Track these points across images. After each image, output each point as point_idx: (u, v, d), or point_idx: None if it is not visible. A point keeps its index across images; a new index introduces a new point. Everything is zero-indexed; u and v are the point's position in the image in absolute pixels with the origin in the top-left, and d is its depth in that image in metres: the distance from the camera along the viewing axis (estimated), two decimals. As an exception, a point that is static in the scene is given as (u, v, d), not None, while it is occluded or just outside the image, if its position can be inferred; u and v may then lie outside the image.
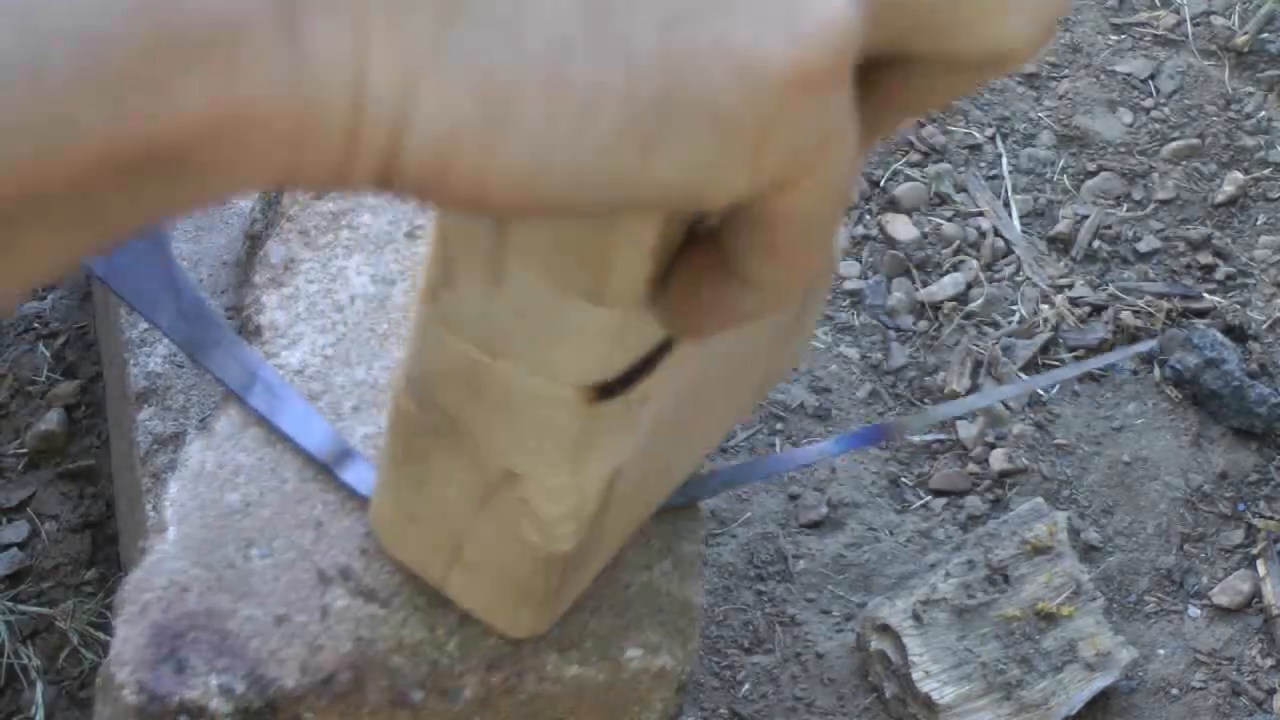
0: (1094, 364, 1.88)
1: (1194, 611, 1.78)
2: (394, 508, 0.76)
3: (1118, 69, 2.19)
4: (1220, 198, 2.07)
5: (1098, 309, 1.97)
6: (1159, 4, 2.26)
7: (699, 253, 0.46)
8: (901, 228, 2.02)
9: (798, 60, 0.34)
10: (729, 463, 1.03)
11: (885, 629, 1.65)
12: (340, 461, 0.85)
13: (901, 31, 0.39)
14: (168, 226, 0.94)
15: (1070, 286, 1.98)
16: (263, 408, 0.87)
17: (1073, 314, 1.96)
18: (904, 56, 0.41)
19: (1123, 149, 2.12)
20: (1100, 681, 1.65)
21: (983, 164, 2.09)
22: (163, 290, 0.93)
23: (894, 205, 2.04)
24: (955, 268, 1.99)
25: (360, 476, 0.84)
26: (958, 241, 2.01)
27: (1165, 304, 1.96)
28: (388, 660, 0.77)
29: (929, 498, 1.83)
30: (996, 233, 2.03)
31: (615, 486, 0.66)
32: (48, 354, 1.78)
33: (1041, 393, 1.91)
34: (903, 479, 1.84)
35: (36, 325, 1.81)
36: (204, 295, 0.94)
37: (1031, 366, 1.92)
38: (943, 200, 2.05)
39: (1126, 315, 1.96)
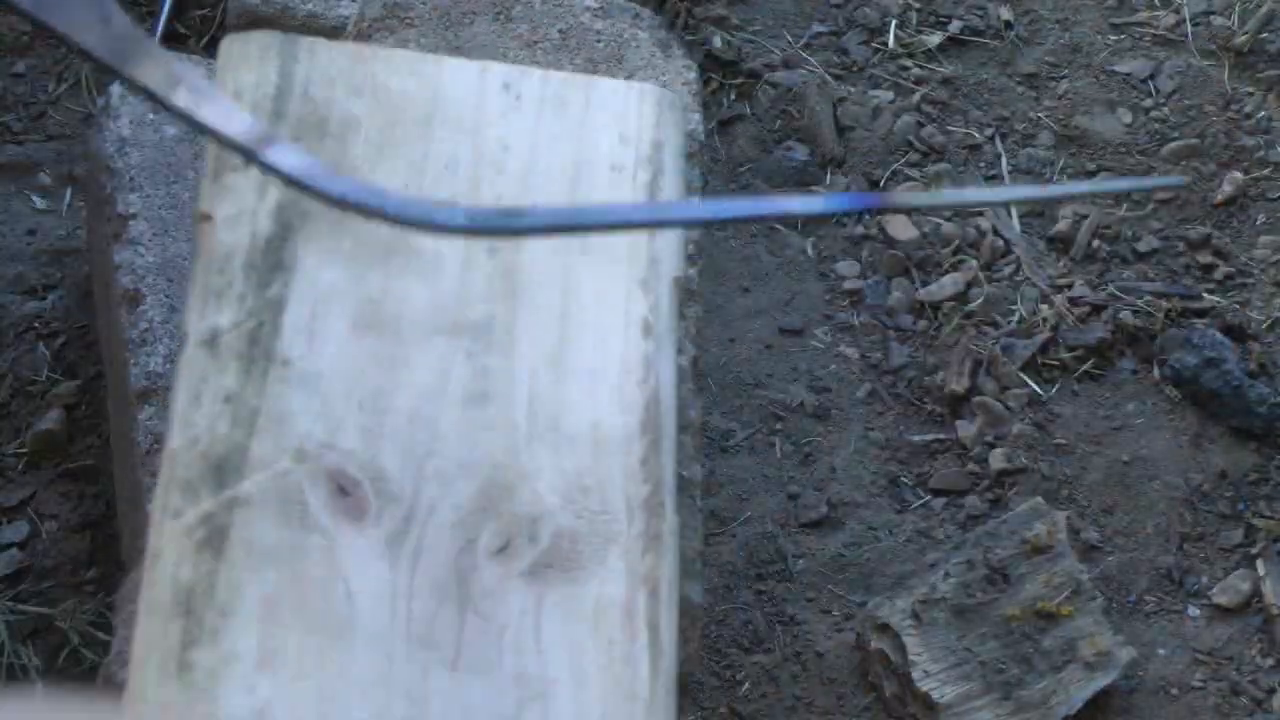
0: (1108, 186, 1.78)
1: (1194, 611, 1.78)
2: None
3: (1117, 69, 2.19)
4: (1220, 197, 2.07)
5: (1097, 309, 1.96)
6: (1159, 4, 2.26)
7: None
8: (901, 227, 2.02)
9: None
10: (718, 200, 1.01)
11: (885, 628, 1.65)
12: (261, 146, 0.89)
13: None
14: None
15: (1070, 286, 1.98)
16: (187, 106, 0.91)
17: (1072, 313, 1.95)
18: None
19: (1122, 149, 2.12)
20: (1100, 681, 1.65)
21: (982, 164, 2.09)
22: (91, 17, 0.96)
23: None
24: (955, 267, 1.99)
25: (280, 156, 0.89)
26: (957, 241, 2.01)
27: (1165, 304, 1.96)
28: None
29: (929, 497, 1.83)
30: (996, 232, 2.03)
31: None
32: (48, 354, 1.78)
33: (1040, 392, 1.91)
34: (902, 479, 1.84)
35: (36, 325, 1.81)
36: (130, 18, 0.99)
37: (1031, 366, 1.92)
38: (942, 200, 2.05)
39: (1126, 315, 1.96)
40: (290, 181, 0.91)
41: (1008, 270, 2.00)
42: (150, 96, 0.94)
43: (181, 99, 0.92)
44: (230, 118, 0.92)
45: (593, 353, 1.00)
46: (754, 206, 1.01)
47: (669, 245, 1.06)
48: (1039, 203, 1.93)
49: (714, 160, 2.05)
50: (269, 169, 0.91)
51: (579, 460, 0.95)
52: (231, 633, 0.84)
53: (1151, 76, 2.18)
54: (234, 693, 0.82)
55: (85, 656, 1.59)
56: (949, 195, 1.48)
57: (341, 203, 0.90)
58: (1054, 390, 1.91)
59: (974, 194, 1.54)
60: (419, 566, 0.89)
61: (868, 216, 2.00)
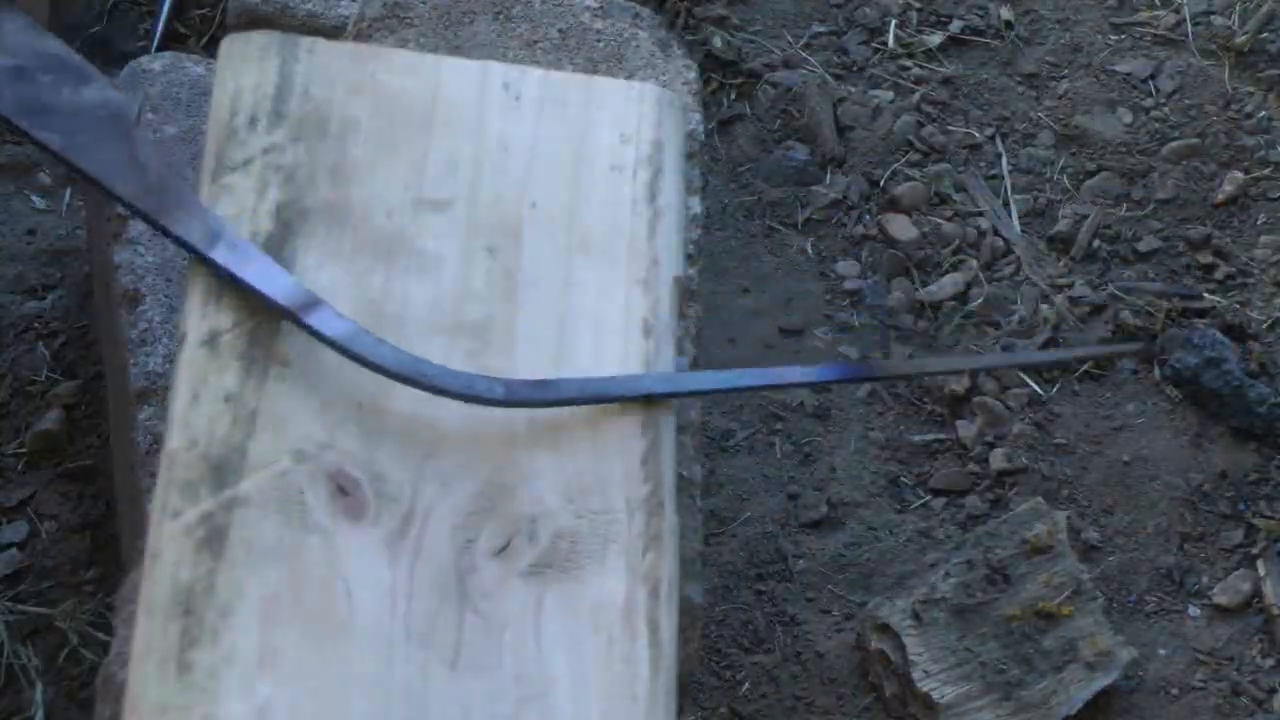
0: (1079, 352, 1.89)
1: (1194, 611, 1.78)
2: None
3: (1118, 69, 2.19)
4: (1220, 197, 2.07)
5: (1098, 309, 1.96)
6: (1159, 4, 2.26)
7: None
8: (901, 227, 2.02)
9: None
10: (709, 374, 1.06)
11: (885, 628, 1.65)
12: (306, 309, 0.91)
13: None
14: (133, 104, 0.98)
15: (1070, 286, 1.98)
16: (228, 264, 0.92)
17: (1073, 314, 1.95)
18: None
19: (1122, 148, 2.11)
20: (1100, 681, 1.65)
21: (982, 164, 2.09)
22: (125, 164, 0.97)
23: (894, 205, 2.04)
24: (955, 267, 1.99)
25: (325, 321, 0.90)
26: (957, 241, 2.01)
27: (1165, 304, 1.96)
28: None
29: (929, 497, 1.83)
30: (996, 232, 2.03)
31: None
32: (47, 354, 1.78)
33: (1040, 392, 1.91)
34: (903, 479, 1.84)
35: (36, 325, 1.81)
36: (169, 160, 1.00)
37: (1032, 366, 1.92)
38: (942, 200, 2.05)
39: (1126, 315, 1.96)
40: (333, 346, 0.93)
41: (1008, 270, 2.00)
42: (192, 251, 0.96)
43: (221, 255, 0.94)
44: (272, 278, 0.94)
45: (592, 353, 1.00)
46: (758, 377, 1.09)
47: (669, 246, 1.06)
48: (1013, 368, 1.95)
49: (714, 160, 2.05)
50: (313, 332, 0.93)
51: (579, 460, 0.95)
52: (231, 632, 0.84)
53: (1152, 76, 2.18)
54: (234, 692, 0.82)
55: (85, 656, 1.58)
56: (934, 362, 1.58)
57: (383, 369, 0.93)
58: (1054, 390, 1.91)
59: (957, 360, 1.63)
60: (418, 566, 0.89)
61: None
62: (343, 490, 0.90)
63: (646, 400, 0.98)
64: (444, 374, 0.93)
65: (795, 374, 1.15)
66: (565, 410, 0.97)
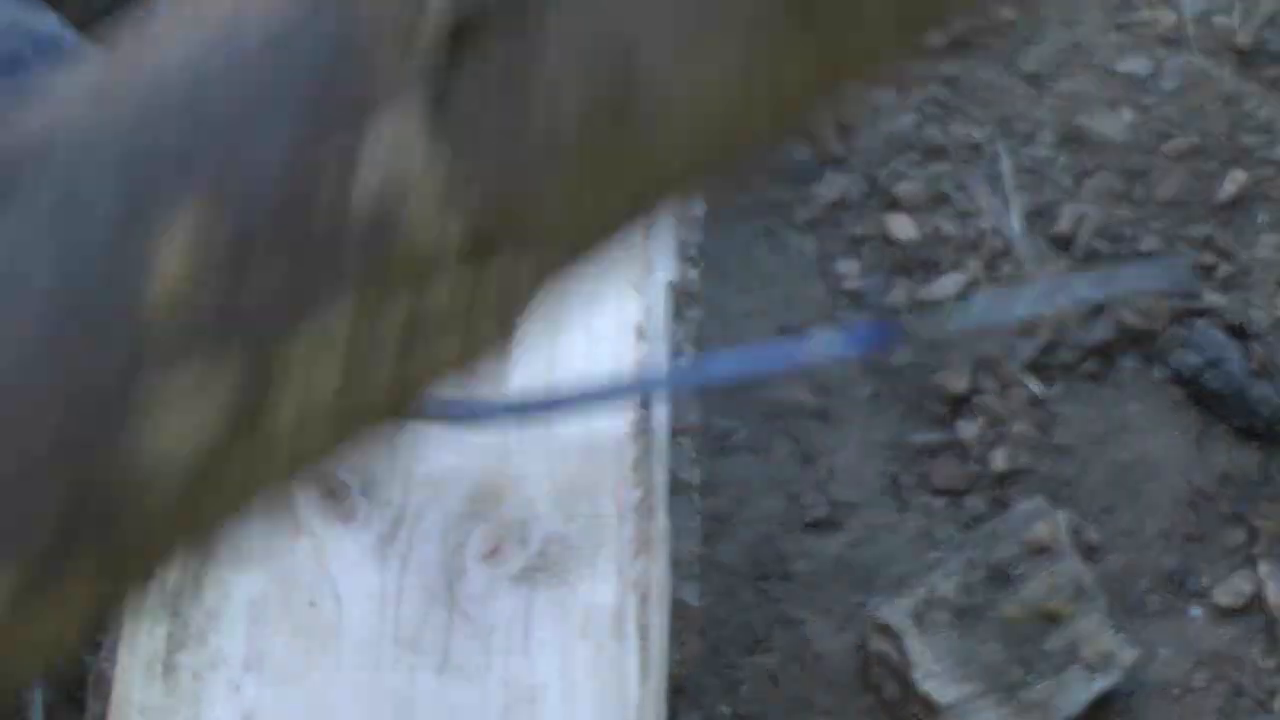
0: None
1: (1196, 612, 1.77)
2: None
3: (1119, 68, 2.18)
4: (1222, 197, 2.07)
5: (1098, 309, 1.96)
6: (1160, 3, 2.26)
7: None
8: (901, 227, 2.02)
9: None
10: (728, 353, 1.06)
11: (886, 629, 1.65)
12: None
13: None
14: None
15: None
16: None
17: (1073, 313, 1.95)
18: None
19: (1124, 148, 2.11)
20: (1102, 682, 1.65)
21: (983, 164, 2.09)
22: None
23: (894, 204, 2.03)
24: (955, 267, 1.99)
25: None
26: (957, 241, 2.01)
27: (1166, 304, 1.96)
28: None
29: (929, 497, 1.82)
30: (996, 232, 2.03)
31: None
32: (48, 354, 1.79)
33: (1041, 391, 1.91)
34: (903, 479, 1.84)
35: (36, 326, 1.81)
36: None
37: (1033, 366, 1.92)
38: (943, 200, 2.05)
39: (1127, 315, 1.95)
40: None
41: (1008, 270, 1.99)
42: None
43: None
44: None
45: (585, 357, 1.00)
46: (778, 356, 1.06)
47: (663, 249, 1.06)
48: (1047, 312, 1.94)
49: (715, 160, 2.04)
50: None
51: (570, 464, 0.95)
52: (218, 635, 0.84)
53: (1153, 75, 2.17)
54: (220, 696, 0.83)
55: (85, 657, 1.59)
56: (968, 318, 1.54)
57: None
58: (1055, 390, 1.91)
59: (993, 310, 1.60)
60: (408, 570, 0.89)
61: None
62: (333, 494, 0.90)
63: (640, 404, 0.98)
64: (435, 407, 0.93)
65: (817, 347, 1.10)
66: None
